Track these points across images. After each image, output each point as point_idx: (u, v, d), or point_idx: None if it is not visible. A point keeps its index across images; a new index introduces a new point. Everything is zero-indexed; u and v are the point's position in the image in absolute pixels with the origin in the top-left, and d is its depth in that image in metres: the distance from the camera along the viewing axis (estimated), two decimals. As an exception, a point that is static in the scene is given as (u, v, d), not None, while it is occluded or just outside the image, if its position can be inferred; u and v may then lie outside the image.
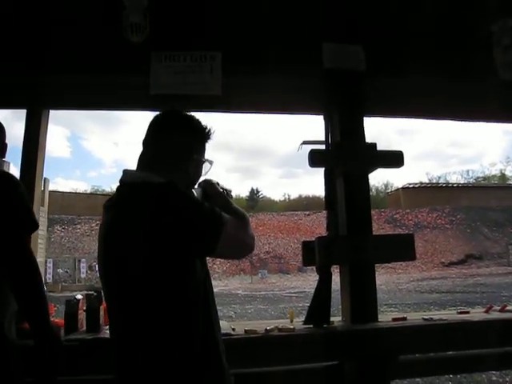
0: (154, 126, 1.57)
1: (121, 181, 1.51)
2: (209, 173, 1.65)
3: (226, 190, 1.72)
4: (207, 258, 1.52)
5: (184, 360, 1.36)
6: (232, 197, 1.72)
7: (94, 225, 28.39)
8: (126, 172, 1.52)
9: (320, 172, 2.39)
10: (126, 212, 1.40)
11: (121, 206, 1.44)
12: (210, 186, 1.68)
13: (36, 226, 1.74)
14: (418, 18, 2.50)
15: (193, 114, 1.59)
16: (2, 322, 1.61)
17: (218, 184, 1.72)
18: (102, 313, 2.10)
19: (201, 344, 1.38)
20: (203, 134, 1.58)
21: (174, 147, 1.51)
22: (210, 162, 1.62)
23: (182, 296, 1.37)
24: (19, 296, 1.61)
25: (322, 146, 2.45)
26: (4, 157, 1.92)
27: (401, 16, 2.52)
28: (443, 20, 2.53)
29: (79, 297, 2.16)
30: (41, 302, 1.65)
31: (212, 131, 1.58)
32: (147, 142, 1.56)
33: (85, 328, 2.09)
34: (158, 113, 1.59)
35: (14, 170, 2.70)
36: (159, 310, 1.35)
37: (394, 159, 2.39)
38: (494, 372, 4.91)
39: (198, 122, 1.57)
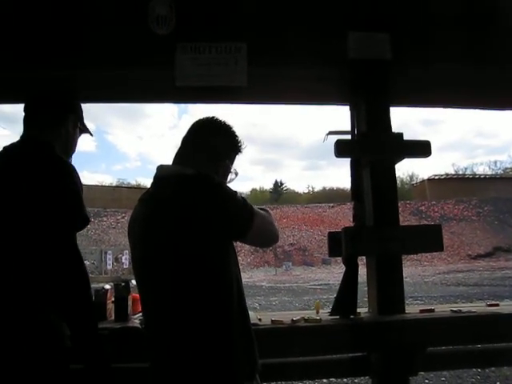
0: (195, 128, 1.69)
1: (156, 176, 1.60)
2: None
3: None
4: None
5: (220, 344, 1.42)
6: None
7: (119, 217, 28.83)
8: (161, 167, 1.62)
9: (344, 164, 2.38)
10: (163, 203, 1.49)
11: (159, 197, 1.53)
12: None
13: (87, 222, 1.68)
14: (444, 4, 2.45)
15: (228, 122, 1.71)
16: (57, 326, 1.56)
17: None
18: (130, 302, 2.13)
19: (236, 328, 1.45)
20: (237, 145, 1.71)
21: (211, 149, 1.63)
22: (236, 173, 1.74)
23: (219, 280, 1.45)
24: (66, 301, 1.57)
25: (348, 137, 2.43)
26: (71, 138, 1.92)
27: (426, 2, 2.47)
28: (470, 6, 2.47)
29: (107, 287, 2.20)
30: (87, 314, 1.61)
31: (244, 146, 1.72)
32: (186, 140, 1.67)
33: (113, 317, 2.13)
34: (201, 117, 1.71)
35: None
36: (197, 295, 1.43)
37: (422, 149, 2.35)
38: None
39: (235, 133, 1.70)
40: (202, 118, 1.71)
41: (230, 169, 1.71)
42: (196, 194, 1.45)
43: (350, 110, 2.44)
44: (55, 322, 1.54)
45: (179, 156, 1.64)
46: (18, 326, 1.47)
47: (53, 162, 1.68)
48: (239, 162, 1.75)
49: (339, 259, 2.30)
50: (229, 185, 1.69)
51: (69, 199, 1.63)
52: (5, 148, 1.76)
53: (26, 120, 1.83)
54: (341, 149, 2.28)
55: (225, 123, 1.69)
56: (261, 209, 1.61)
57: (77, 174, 1.70)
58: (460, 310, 2.27)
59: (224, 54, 2.31)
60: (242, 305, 1.52)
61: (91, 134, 2.09)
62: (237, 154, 1.72)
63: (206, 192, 1.46)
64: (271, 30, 2.37)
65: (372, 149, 2.34)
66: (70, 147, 1.93)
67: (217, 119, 1.69)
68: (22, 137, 1.79)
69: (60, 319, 1.56)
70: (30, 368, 1.45)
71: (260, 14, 2.37)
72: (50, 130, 1.79)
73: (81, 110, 2.00)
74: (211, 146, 1.63)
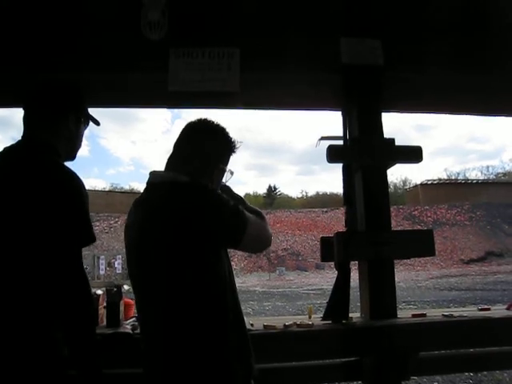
0: (187, 131, 1.68)
1: (148, 182, 1.60)
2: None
3: (238, 195, 1.82)
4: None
5: (215, 348, 1.43)
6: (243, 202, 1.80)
7: (112, 222, 28.74)
8: (153, 173, 1.61)
9: (337, 169, 2.38)
10: (156, 210, 1.48)
11: (151, 204, 1.53)
12: (226, 190, 1.77)
13: (93, 240, 1.58)
14: (436, 10, 2.47)
15: (220, 123, 1.68)
16: (59, 342, 1.51)
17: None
18: (121, 308, 2.12)
19: (231, 332, 1.46)
20: (230, 146, 1.69)
21: (204, 153, 1.62)
22: (232, 173, 1.73)
23: (212, 286, 1.46)
24: (67, 311, 1.51)
25: (340, 142, 2.44)
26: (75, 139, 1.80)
27: (419, 8, 2.48)
28: (462, 12, 2.49)
29: (99, 292, 2.18)
30: (87, 326, 1.54)
31: (238, 145, 1.70)
32: (179, 145, 1.66)
33: (105, 323, 2.12)
34: (193, 119, 1.69)
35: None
36: (191, 300, 1.43)
37: (413, 154, 2.37)
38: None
39: (227, 134, 1.68)
40: (194, 120, 1.69)
41: (225, 170, 1.70)
42: (189, 203, 1.45)
43: (343, 115, 2.45)
44: (54, 335, 1.51)
45: (172, 161, 1.63)
46: (18, 338, 1.44)
47: (61, 175, 1.58)
48: (234, 162, 1.75)
49: (333, 264, 2.30)
50: (227, 183, 1.73)
51: (77, 218, 1.54)
52: (6, 150, 1.65)
53: (25, 119, 1.71)
54: (333, 154, 2.29)
55: (218, 125, 1.67)
56: (254, 210, 1.62)
57: (84, 188, 1.61)
58: (452, 315, 2.28)
59: (217, 60, 2.32)
60: (237, 311, 1.53)
61: (98, 124, 1.95)
62: (231, 154, 1.71)
63: (199, 200, 1.47)
64: (264, 36, 2.37)
65: (364, 154, 2.35)
66: (74, 145, 1.80)
67: (209, 121, 1.67)
68: (23, 137, 1.69)
69: (59, 331, 1.52)
70: (26, 377, 1.43)
71: (253, 20, 2.38)
72: (51, 129, 1.68)
73: (82, 102, 1.85)
74: (205, 151, 1.62)
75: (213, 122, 1.67)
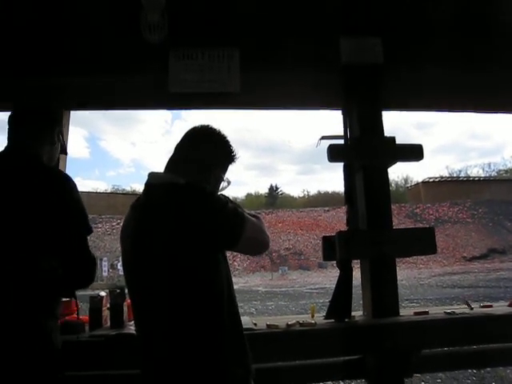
0: (190, 136, 1.69)
1: (147, 183, 1.60)
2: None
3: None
4: (227, 254, 1.60)
5: (211, 351, 1.42)
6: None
7: (114, 224, 28.72)
8: (152, 174, 1.62)
9: (338, 168, 2.39)
10: (154, 211, 1.49)
11: (149, 205, 1.54)
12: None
13: (91, 232, 1.72)
14: (436, 8, 2.48)
15: (223, 132, 1.71)
16: (51, 330, 1.58)
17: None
18: (125, 309, 2.13)
19: (227, 334, 1.45)
20: (230, 156, 1.71)
21: (203, 158, 1.63)
22: (228, 182, 1.74)
23: (209, 288, 1.45)
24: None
25: (341, 141, 2.44)
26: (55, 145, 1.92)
27: (419, 7, 2.49)
28: (463, 10, 2.49)
29: (103, 294, 2.20)
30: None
31: (238, 156, 1.71)
32: (180, 148, 1.67)
33: (109, 324, 2.13)
34: (197, 125, 1.71)
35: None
36: (188, 302, 1.43)
37: (414, 152, 2.37)
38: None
39: (229, 143, 1.70)
40: (197, 125, 1.70)
41: (223, 178, 1.71)
42: (187, 203, 1.45)
43: (343, 114, 2.45)
44: (47, 324, 1.56)
45: (172, 163, 1.64)
46: (12, 328, 1.48)
47: (54, 176, 1.71)
48: (233, 168, 1.76)
49: (335, 263, 2.31)
50: (224, 191, 1.73)
51: (74, 213, 1.66)
52: None
53: (11, 130, 1.80)
54: (334, 153, 2.30)
55: (219, 133, 1.69)
56: (252, 215, 1.61)
57: (75, 185, 1.72)
58: (454, 312, 2.29)
59: (217, 61, 2.33)
60: (233, 310, 1.52)
61: (66, 153, 2.13)
62: (230, 163, 1.72)
63: (197, 201, 1.47)
64: (264, 36, 2.39)
65: (364, 153, 2.36)
66: (53, 159, 1.92)
67: (211, 128, 1.69)
68: (7, 147, 1.76)
69: (54, 320, 1.61)
70: (21, 372, 1.46)
71: (253, 20, 2.39)
72: (36, 140, 1.78)
73: (60, 121, 2.04)
74: (204, 156, 1.63)
75: (215, 130, 1.69)
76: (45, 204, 1.59)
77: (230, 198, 1.76)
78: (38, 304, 1.55)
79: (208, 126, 1.69)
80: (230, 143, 1.69)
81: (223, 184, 1.72)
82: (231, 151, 1.70)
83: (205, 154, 1.63)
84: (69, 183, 1.69)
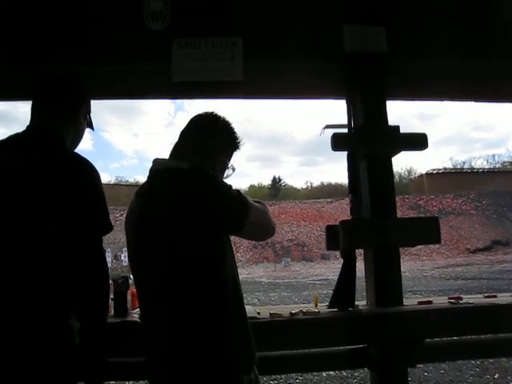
0: (195, 122, 1.69)
1: (151, 169, 1.60)
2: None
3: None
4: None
5: (215, 337, 1.43)
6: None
7: (118, 215, 28.69)
8: (156, 161, 1.62)
9: (341, 159, 2.38)
10: (158, 198, 1.50)
11: (153, 192, 1.54)
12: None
13: (110, 229, 1.61)
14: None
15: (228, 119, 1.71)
16: (74, 328, 1.54)
17: None
18: (129, 297, 2.13)
19: (231, 321, 1.46)
20: (235, 142, 1.71)
21: (209, 144, 1.64)
22: (233, 169, 1.73)
23: (214, 275, 1.45)
24: (85, 304, 1.54)
25: (345, 130, 2.43)
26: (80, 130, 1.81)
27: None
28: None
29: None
30: (101, 334, 1.56)
31: (242, 143, 1.72)
32: (185, 135, 1.67)
33: (112, 312, 2.14)
34: (201, 111, 1.71)
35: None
36: (192, 289, 1.43)
37: (418, 141, 2.36)
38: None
39: (233, 130, 1.70)
40: (201, 112, 1.70)
41: (227, 164, 1.71)
42: (191, 188, 1.46)
43: (347, 103, 2.43)
44: (69, 323, 1.52)
45: (176, 151, 1.64)
46: (33, 324, 1.45)
47: (77, 164, 1.59)
48: (236, 158, 1.75)
49: (338, 255, 2.30)
50: (227, 180, 1.71)
51: (97, 208, 1.57)
52: (12, 139, 1.63)
53: (36, 110, 1.69)
54: (337, 142, 2.29)
55: (224, 119, 1.69)
56: (256, 201, 1.61)
57: (99, 175, 1.63)
58: (458, 302, 2.28)
59: (220, 49, 2.31)
60: (238, 297, 1.52)
61: (93, 129, 1.94)
62: (235, 150, 1.72)
63: (201, 186, 1.47)
64: (267, 24, 2.37)
65: (368, 142, 2.35)
66: (79, 137, 1.81)
67: (216, 115, 1.69)
68: (32, 127, 1.67)
69: (74, 321, 1.55)
70: (37, 364, 1.44)
71: (256, 9, 2.37)
72: (62, 121, 1.68)
73: (89, 98, 1.88)
74: (209, 143, 1.63)
75: (220, 117, 1.69)
76: (64, 197, 1.50)
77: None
78: (59, 301, 1.51)
79: (212, 112, 1.69)
80: (235, 130, 1.70)
81: (228, 171, 1.72)
82: (236, 138, 1.70)
83: (209, 140, 1.63)
84: (89, 175, 1.59)
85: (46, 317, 1.47)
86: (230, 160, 1.72)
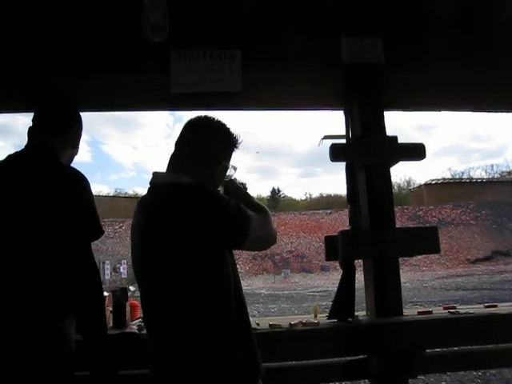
0: (188, 129, 1.66)
1: (151, 183, 1.60)
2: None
3: (242, 183, 1.83)
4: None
5: (219, 350, 1.42)
6: (247, 189, 1.82)
7: (117, 227, 28.74)
8: (156, 174, 1.61)
9: (340, 171, 2.38)
10: (159, 212, 1.49)
11: (154, 206, 1.53)
12: (230, 182, 1.77)
13: (101, 234, 1.69)
14: (436, 6, 2.47)
15: (221, 119, 1.67)
16: (68, 333, 1.57)
17: (235, 179, 1.81)
18: (128, 309, 2.13)
19: (235, 333, 1.45)
20: (232, 142, 1.67)
21: (205, 151, 1.60)
22: (235, 168, 1.73)
23: (216, 287, 1.45)
24: (80, 311, 1.59)
25: (343, 141, 2.44)
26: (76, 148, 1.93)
27: (419, 6, 2.48)
28: (463, 8, 2.49)
29: (106, 294, 2.19)
30: (100, 322, 1.63)
31: (240, 140, 1.68)
32: (180, 143, 1.65)
33: (111, 324, 2.13)
34: (193, 117, 1.68)
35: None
36: (192, 303, 1.43)
37: (416, 151, 2.36)
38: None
39: (229, 130, 1.66)
40: (193, 118, 1.67)
41: (228, 167, 1.69)
42: (191, 205, 1.45)
43: (345, 114, 2.44)
44: (62, 328, 1.55)
45: (173, 161, 1.62)
46: (26, 330, 1.48)
47: (67, 175, 1.70)
48: (237, 154, 1.72)
49: (338, 266, 2.30)
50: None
51: (84, 213, 1.64)
52: (11, 157, 1.73)
53: (34, 129, 1.81)
54: (336, 153, 2.29)
55: (218, 122, 1.65)
56: (258, 206, 1.64)
57: (89, 184, 1.70)
58: (458, 312, 2.27)
59: (218, 61, 2.32)
60: (242, 310, 1.52)
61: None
62: (233, 150, 1.69)
63: (201, 203, 1.46)
64: (266, 36, 2.38)
65: (367, 152, 2.35)
66: (74, 154, 1.93)
67: (209, 118, 1.65)
68: (31, 146, 1.77)
69: (69, 326, 1.59)
70: (34, 370, 1.46)
71: (255, 20, 2.39)
72: (57, 137, 1.79)
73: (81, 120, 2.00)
74: (206, 151, 1.60)
75: (213, 119, 1.65)
76: (54, 208, 1.58)
77: None
78: (52, 305, 1.55)
79: (204, 116, 1.66)
80: (230, 129, 1.66)
81: (229, 171, 1.71)
82: (233, 140, 1.67)
83: (207, 149, 1.61)
84: (81, 182, 1.68)
85: (37, 321, 1.50)
86: (229, 160, 1.69)
